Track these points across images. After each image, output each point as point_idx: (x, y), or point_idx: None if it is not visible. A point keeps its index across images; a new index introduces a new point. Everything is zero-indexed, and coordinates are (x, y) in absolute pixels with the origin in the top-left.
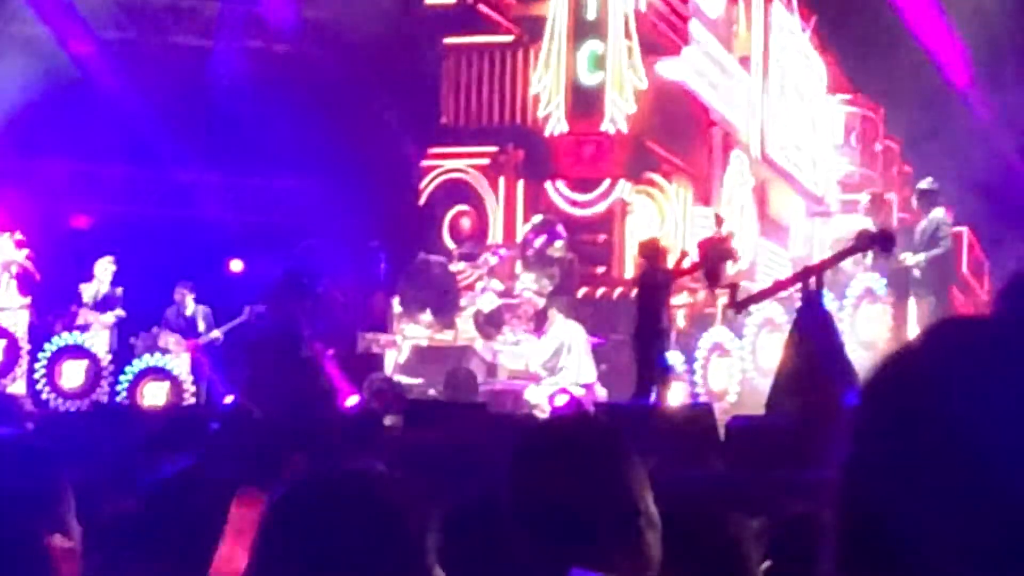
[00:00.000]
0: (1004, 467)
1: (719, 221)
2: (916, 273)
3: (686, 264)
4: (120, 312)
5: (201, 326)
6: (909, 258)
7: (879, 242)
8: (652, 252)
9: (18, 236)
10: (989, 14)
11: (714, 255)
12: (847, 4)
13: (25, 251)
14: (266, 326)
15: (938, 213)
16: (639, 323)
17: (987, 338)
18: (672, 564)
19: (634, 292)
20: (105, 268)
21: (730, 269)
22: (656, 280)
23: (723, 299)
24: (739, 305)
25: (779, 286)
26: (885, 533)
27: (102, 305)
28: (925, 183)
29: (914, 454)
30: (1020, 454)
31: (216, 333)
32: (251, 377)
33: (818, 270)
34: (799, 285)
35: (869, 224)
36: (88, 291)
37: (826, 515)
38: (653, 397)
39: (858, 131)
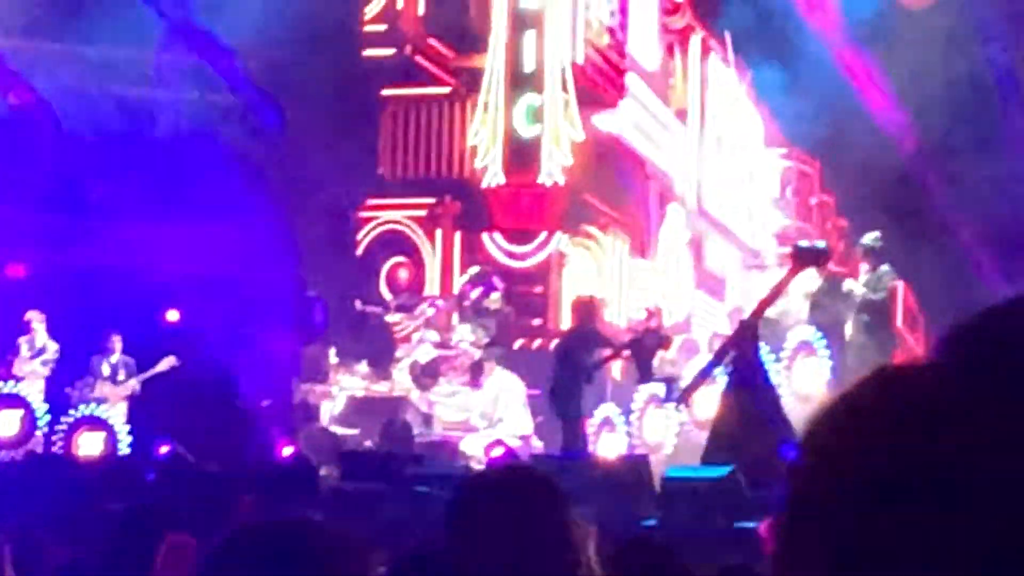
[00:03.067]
0: (938, 524)
1: (650, 314)
2: (850, 329)
3: (622, 345)
4: (51, 357)
5: (122, 375)
6: (856, 288)
7: (814, 257)
8: (585, 311)
9: None
10: (927, 76)
11: (645, 349)
12: (784, 58)
13: None
14: (202, 375)
15: (885, 268)
16: (558, 377)
17: (923, 388)
18: None
19: (555, 343)
20: (37, 319)
21: (658, 360)
22: (583, 339)
23: (659, 392)
24: (680, 399)
25: (715, 360)
26: None
27: (38, 355)
28: (872, 239)
29: (847, 508)
30: (957, 511)
31: (133, 382)
32: (187, 427)
33: (756, 315)
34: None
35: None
36: (25, 343)
37: (763, 567)
38: (587, 449)
39: (794, 185)
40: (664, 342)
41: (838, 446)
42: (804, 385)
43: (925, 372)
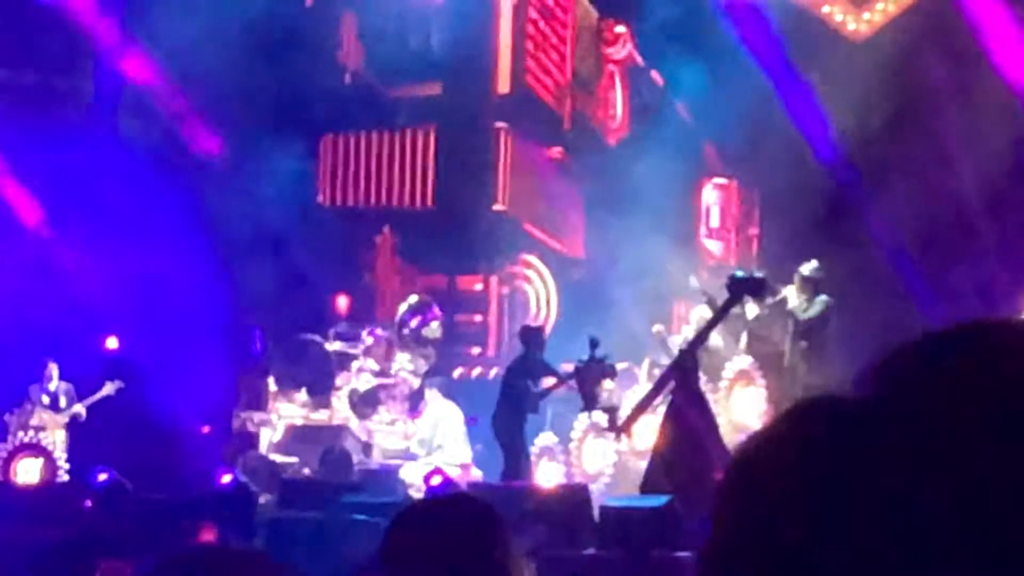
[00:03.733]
0: (853, 555)
1: (594, 344)
2: (789, 357)
3: (566, 374)
4: None
5: (63, 402)
6: (792, 302)
7: (750, 288)
8: (532, 339)
9: None
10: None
11: (590, 378)
12: (721, 90)
13: None
14: (140, 402)
15: (823, 298)
16: (502, 406)
17: (846, 420)
18: None
19: (496, 372)
20: None
21: (607, 386)
22: (528, 367)
23: (600, 422)
24: (620, 429)
25: (655, 391)
26: None
27: None
28: (811, 269)
29: (764, 540)
30: (877, 544)
31: (78, 408)
32: (125, 454)
33: (694, 345)
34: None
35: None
36: None
37: None
38: (526, 478)
39: (732, 214)
40: (609, 371)
41: (756, 476)
42: (742, 414)
43: (845, 405)
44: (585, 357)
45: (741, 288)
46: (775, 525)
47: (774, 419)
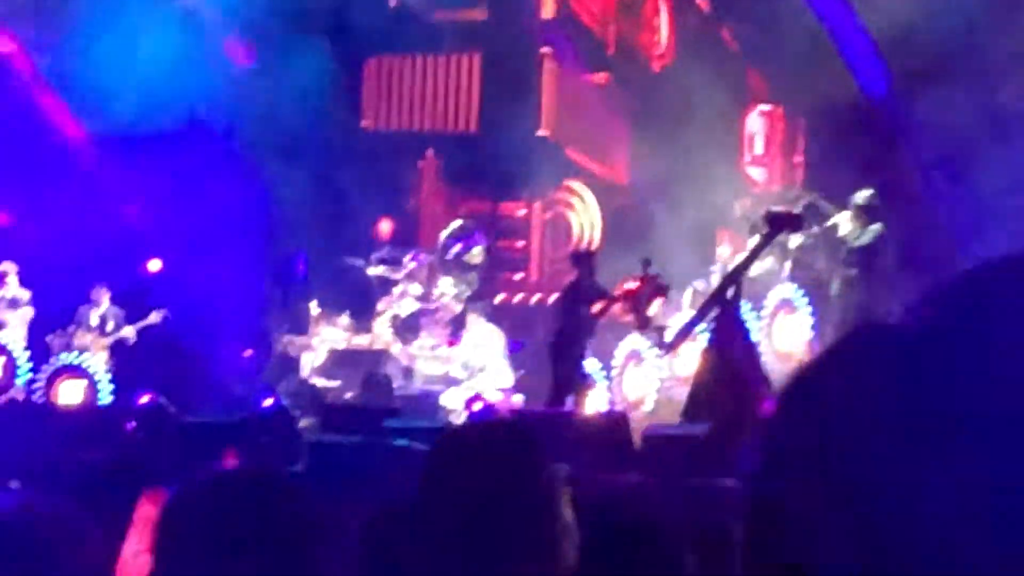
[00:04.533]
0: (911, 485)
1: (646, 264)
2: (836, 285)
3: (619, 296)
4: (28, 309)
5: (110, 325)
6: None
7: (787, 223)
8: (584, 263)
9: None
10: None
11: (643, 298)
12: (768, 14)
13: None
14: (183, 326)
15: (875, 227)
16: (557, 331)
17: (901, 346)
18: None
19: (554, 298)
20: (10, 272)
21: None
22: (581, 291)
23: (640, 348)
24: (669, 347)
25: (701, 313)
26: (788, 548)
27: (12, 305)
28: (865, 197)
29: (821, 469)
30: (932, 472)
31: (128, 331)
32: (167, 377)
33: (736, 275)
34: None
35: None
36: None
37: (736, 527)
38: (569, 405)
39: (777, 142)
40: (662, 290)
41: (813, 405)
42: (785, 343)
43: (900, 332)
44: (637, 276)
45: (778, 224)
46: (830, 454)
47: (829, 346)
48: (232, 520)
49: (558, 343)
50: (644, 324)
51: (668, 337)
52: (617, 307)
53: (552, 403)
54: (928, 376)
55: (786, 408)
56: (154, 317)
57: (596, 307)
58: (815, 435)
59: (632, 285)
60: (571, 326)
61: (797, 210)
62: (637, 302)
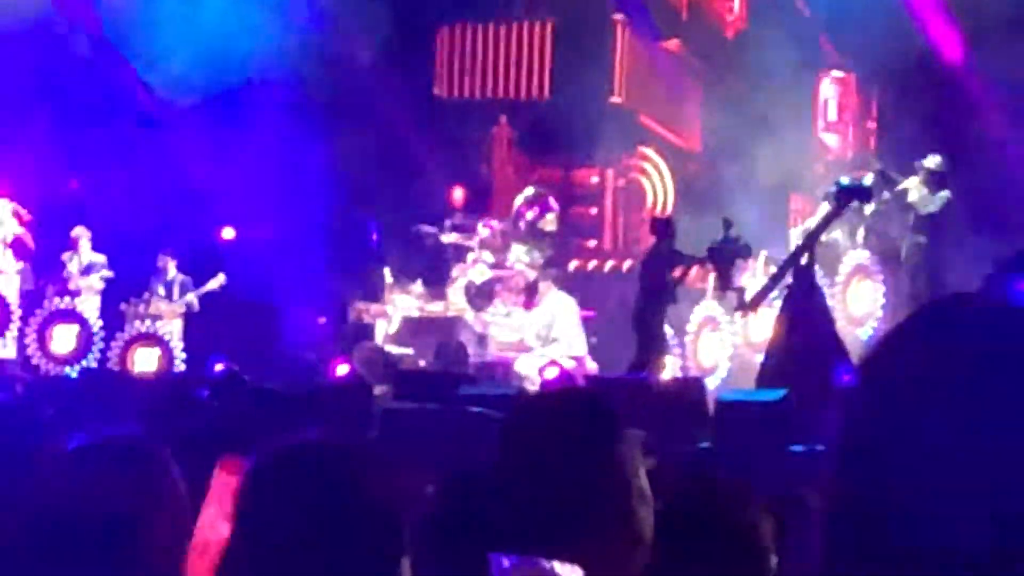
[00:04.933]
0: (1000, 453)
1: (727, 224)
2: (907, 251)
3: (701, 258)
4: (107, 272)
5: (176, 294)
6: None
7: (856, 194)
8: (664, 229)
9: (16, 207)
10: None
11: (725, 258)
12: None
13: (20, 226)
14: (256, 293)
15: (944, 193)
16: (639, 298)
17: (984, 316)
18: (680, 543)
19: (628, 264)
20: (83, 236)
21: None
22: (663, 259)
23: (715, 313)
24: (749, 306)
25: (778, 276)
26: (876, 516)
27: (87, 271)
28: (935, 163)
29: (908, 437)
30: (1019, 440)
31: (191, 297)
32: (242, 344)
33: (809, 242)
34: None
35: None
36: (71, 260)
37: (817, 493)
38: (647, 372)
39: (851, 109)
40: (743, 251)
41: (897, 375)
42: (859, 309)
43: (981, 302)
44: (719, 238)
45: (847, 196)
46: (914, 423)
47: (910, 315)
48: (312, 489)
49: (640, 310)
50: (726, 285)
51: (748, 298)
52: (697, 270)
53: (635, 370)
54: (1012, 345)
55: (870, 377)
56: (215, 283)
57: (678, 271)
58: (900, 405)
59: (714, 246)
60: (653, 293)
61: (868, 178)
62: (719, 263)
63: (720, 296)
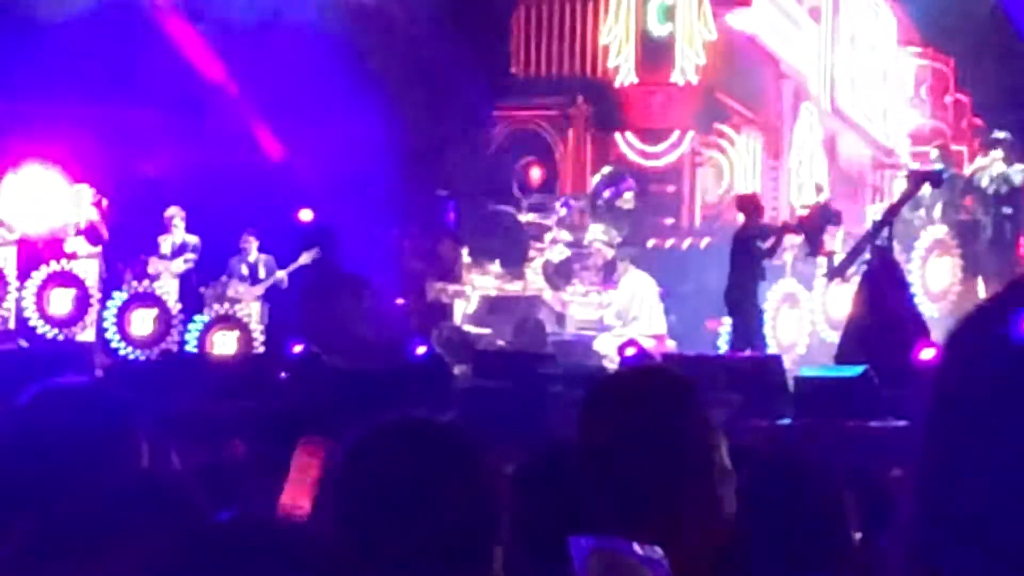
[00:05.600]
0: None
1: (819, 189)
2: (989, 225)
3: (791, 226)
4: (191, 255)
5: (261, 273)
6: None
7: (929, 179)
8: (750, 207)
9: (92, 193)
10: None
11: (817, 222)
12: None
13: (95, 211)
14: (335, 275)
15: (1021, 166)
16: (732, 278)
17: None
18: (762, 520)
19: (707, 243)
20: (177, 216)
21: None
22: (753, 235)
23: (794, 291)
24: (836, 272)
25: (858, 248)
26: (963, 498)
27: (177, 253)
28: (1006, 136)
29: (999, 418)
30: None
31: (280, 274)
32: (321, 326)
33: (884, 221)
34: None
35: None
36: (166, 242)
37: (899, 470)
38: (749, 351)
39: (928, 84)
40: (835, 217)
41: (983, 353)
42: (937, 284)
43: None
44: (810, 203)
45: (918, 181)
46: (1001, 403)
47: (993, 296)
48: (409, 466)
49: (733, 291)
50: (817, 250)
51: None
52: (790, 236)
53: (735, 350)
54: None
55: (956, 355)
56: (305, 258)
57: (769, 241)
58: (988, 381)
59: (805, 212)
60: (746, 272)
61: (938, 162)
62: (811, 228)
63: (806, 264)
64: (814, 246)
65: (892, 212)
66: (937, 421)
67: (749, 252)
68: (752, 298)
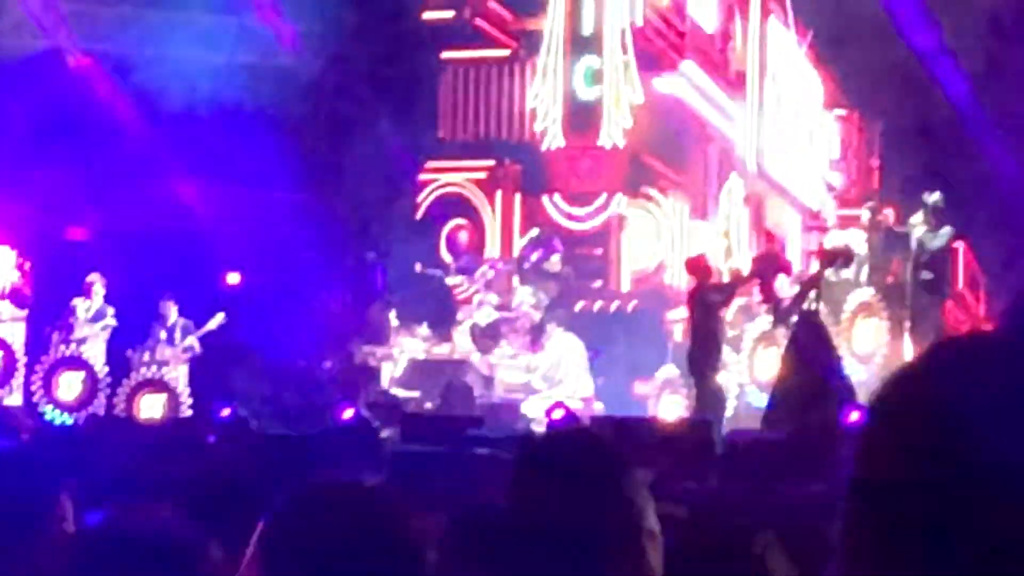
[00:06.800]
0: (1015, 489)
1: (770, 237)
2: (912, 287)
3: (742, 276)
4: (111, 321)
5: (178, 337)
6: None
7: (838, 258)
8: (701, 269)
9: (15, 256)
10: (984, 33)
11: (768, 270)
12: (844, 20)
13: (18, 274)
14: (262, 338)
15: (948, 229)
16: (693, 342)
17: (991, 359)
18: None
19: (684, 311)
20: (97, 282)
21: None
22: (708, 297)
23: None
24: (779, 320)
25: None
26: (892, 553)
27: (96, 318)
28: (936, 199)
29: (922, 475)
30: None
31: (191, 340)
32: (248, 389)
33: (803, 294)
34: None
35: (863, 238)
36: (83, 306)
37: (829, 530)
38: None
39: (854, 146)
40: (785, 265)
41: (907, 414)
42: (864, 346)
43: (993, 342)
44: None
45: (830, 258)
46: (925, 465)
47: (918, 357)
48: (336, 531)
49: (697, 354)
50: (767, 298)
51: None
52: (743, 289)
53: (696, 414)
54: (1015, 389)
55: (882, 420)
56: (214, 322)
57: (727, 299)
58: (914, 447)
59: (753, 265)
60: (708, 335)
61: (855, 238)
62: (761, 275)
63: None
64: (764, 294)
65: (802, 295)
66: (861, 482)
67: (706, 313)
68: (714, 363)
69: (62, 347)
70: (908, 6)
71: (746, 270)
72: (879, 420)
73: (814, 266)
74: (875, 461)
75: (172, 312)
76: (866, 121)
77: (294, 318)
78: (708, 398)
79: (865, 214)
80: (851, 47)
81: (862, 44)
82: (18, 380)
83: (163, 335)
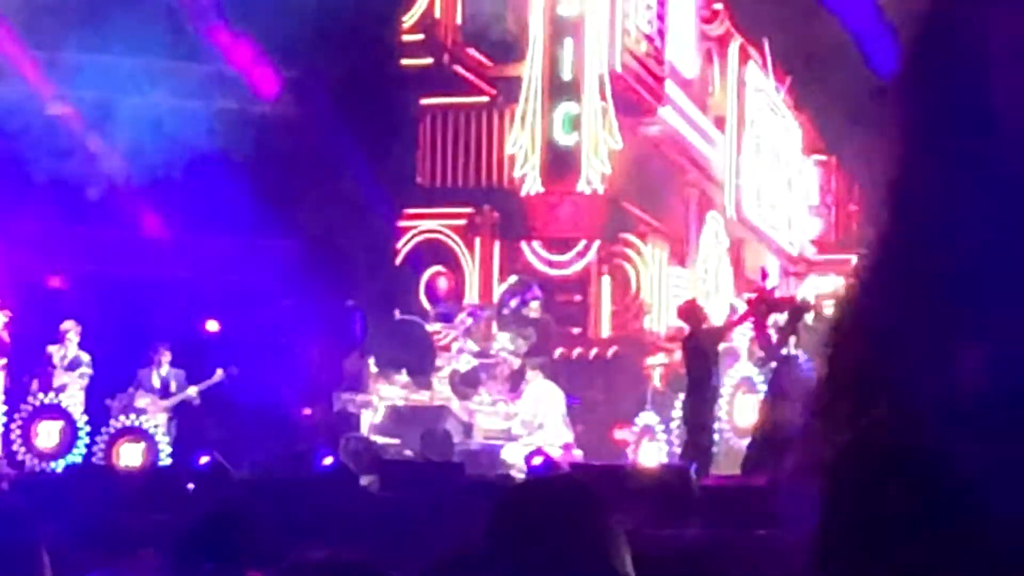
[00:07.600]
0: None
1: (764, 275)
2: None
3: (734, 319)
4: (87, 369)
5: (173, 387)
6: None
7: (776, 307)
8: (693, 314)
9: None
10: None
11: (763, 309)
12: (821, 65)
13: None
14: (241, 386)
15: None
16: (689, 388)
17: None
18: None
19: (663, 358)
20: (72, 330)
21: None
22: (700, 342)
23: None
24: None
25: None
26: None
27: (72, 366)
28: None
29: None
30: (997, 527)
31: (192, 391)
32: (227, 437)
33: (781, 343)
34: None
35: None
36: (58, 353)
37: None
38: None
39: (833, 193)
40: (778, 304)
41: (868, 460)
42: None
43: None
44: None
45: (800, 313)
46: (887, 510)
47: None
48: None
49: (692, 400)
50: (764, 340)
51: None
52: (737, 328)
53: (686, 460)
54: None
55: (844, 464)
56: (218, 376)
57: (715, 341)
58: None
59: (745, 308)
60: (700, 379)
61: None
62: (756, 315)
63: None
64: (759, 332)
65: (781, 342)
66: (824, 531)
67: (701, 358)
68: (709, 409)
69: (40, 395)
70: (886, 51)
71: (732, 314)
72: (840, 466)
73: (813, 283)
74: (836, 509)
75: (165, 361)
76: (844, 167)
77: (273, 365)
78: (700, 444)
79: (855, 259)
80: (826, 89)
81: (839, 86)
82: None
83: (156, 382)
